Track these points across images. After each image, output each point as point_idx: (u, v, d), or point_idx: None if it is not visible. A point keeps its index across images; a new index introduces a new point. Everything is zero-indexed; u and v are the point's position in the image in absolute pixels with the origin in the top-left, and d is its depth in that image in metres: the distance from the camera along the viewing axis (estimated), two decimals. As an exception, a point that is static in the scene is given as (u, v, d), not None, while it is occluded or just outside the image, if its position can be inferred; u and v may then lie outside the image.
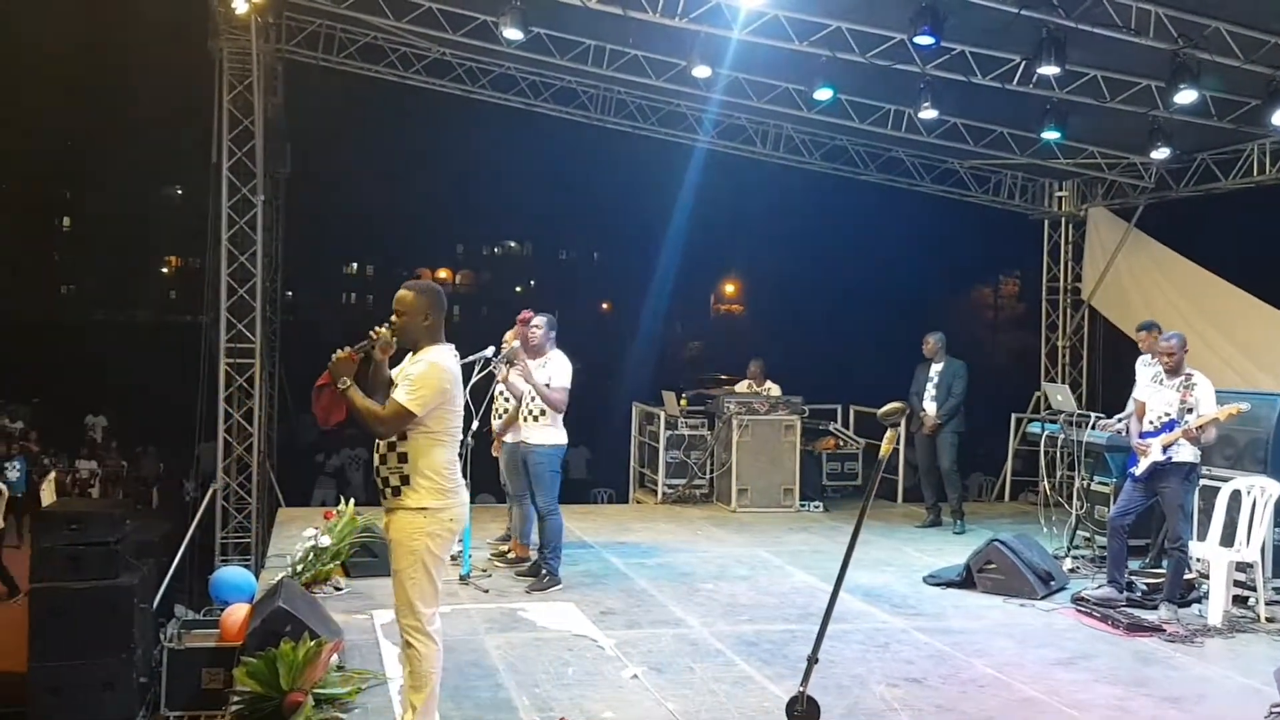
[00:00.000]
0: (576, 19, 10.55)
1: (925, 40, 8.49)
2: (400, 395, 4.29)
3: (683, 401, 12.27)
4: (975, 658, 6.24)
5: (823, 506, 11.47)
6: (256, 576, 8.26)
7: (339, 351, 4.32)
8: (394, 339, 4.38)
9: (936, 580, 8.07)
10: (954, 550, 8.95)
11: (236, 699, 4.90)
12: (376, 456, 4.40)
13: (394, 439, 4.33)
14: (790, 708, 3.29)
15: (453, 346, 4.54)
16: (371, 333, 4.37)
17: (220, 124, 12.28)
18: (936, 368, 10.29)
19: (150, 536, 10.57)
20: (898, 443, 11.28)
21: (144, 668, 8.62)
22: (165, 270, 48.42)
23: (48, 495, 12.89)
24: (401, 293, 4.45)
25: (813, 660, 3.39)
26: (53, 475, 15.09)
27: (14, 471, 15.47)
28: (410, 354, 4.48)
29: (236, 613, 6.90)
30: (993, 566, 7.75)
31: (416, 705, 4.38)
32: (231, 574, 7.83)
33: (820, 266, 34.66)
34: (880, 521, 10.93)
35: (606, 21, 10.29)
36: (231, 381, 12.39)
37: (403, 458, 4.33)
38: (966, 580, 7.88)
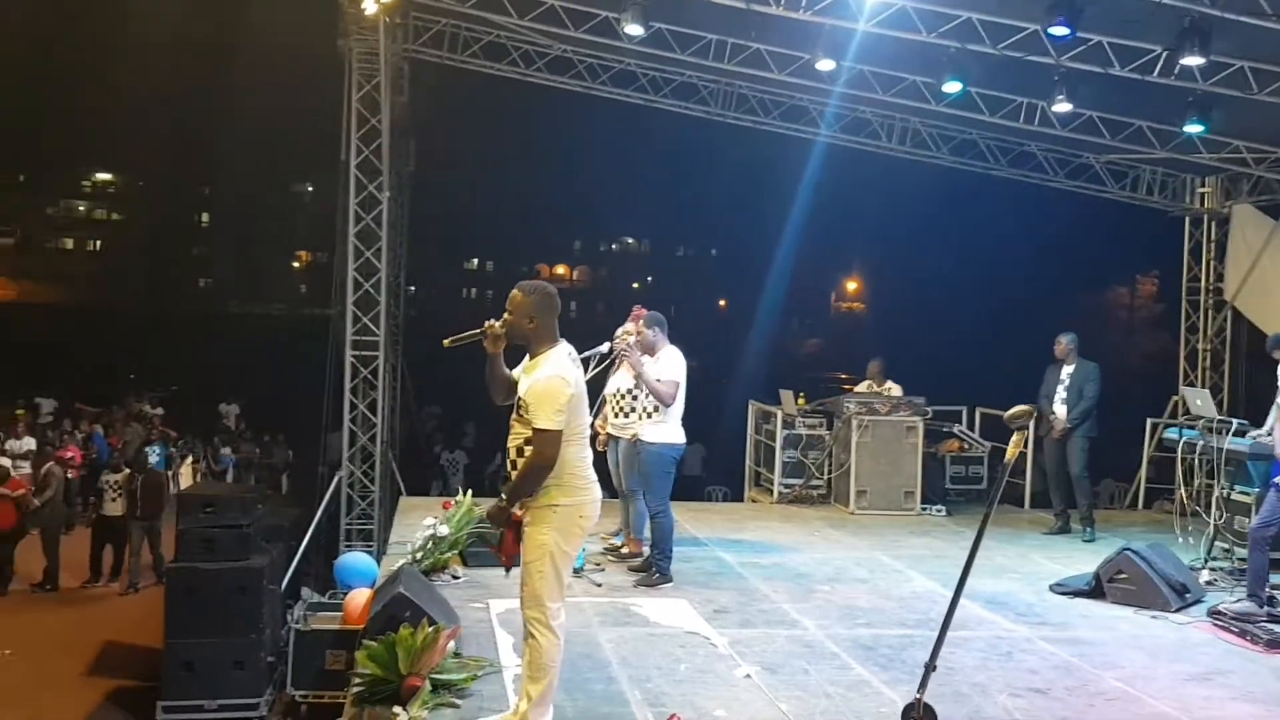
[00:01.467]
0: (698, 13, 10.52)
1: (1060, 31, 8.21)
2: (538, 420, 4.32)
3: (801, 400, 12.12)
4: (1103, 670, 5.99)
5: (945, 510, 11.18)
6: (378, 562, 8.46)
7: (445, 341, 4.57)
8: (503, 334, 4.48)
9: (1064, 589, 7.78)
10: (1082, 558, 8.61)
11: (357, 681, 5.01)
12: (509, 461, 4.50)
13: (521, 443, 4.41)
14: (906, 714, 3.20)
15: (569, 347, 4.57)
16: (486, 324, 4.49)
17: (349, 122, 12.62)
18: (1068, 370, 9.93)
19: (280, 521, 11.00)
20: (1025, 446, 10.98)
21: (272, 647, 8.95)
22: (297, 264, 50.16)
23: (185, 479, 13.50)
24: (513, 292, 4.53)
25: (930, 667, 3.29)
26: (190, 460, 15.77)
27: (153, 456, 16.22)
28: (527, 355, 4.56)
29: (358, 597, 7.07)
30: (1124, 576, 7.44)
31: (532, 695, 4.43)
32: (355, 559, 8.06)
33: (947, 264, 33.98)
34: (1006, 528, 10.60)
35: (728, 15, 10.22)
36: (357, 373, 12.74)
37: None
38: (1095, 590, 7.58)
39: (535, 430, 4.34)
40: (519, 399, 4.48)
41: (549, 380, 4.37)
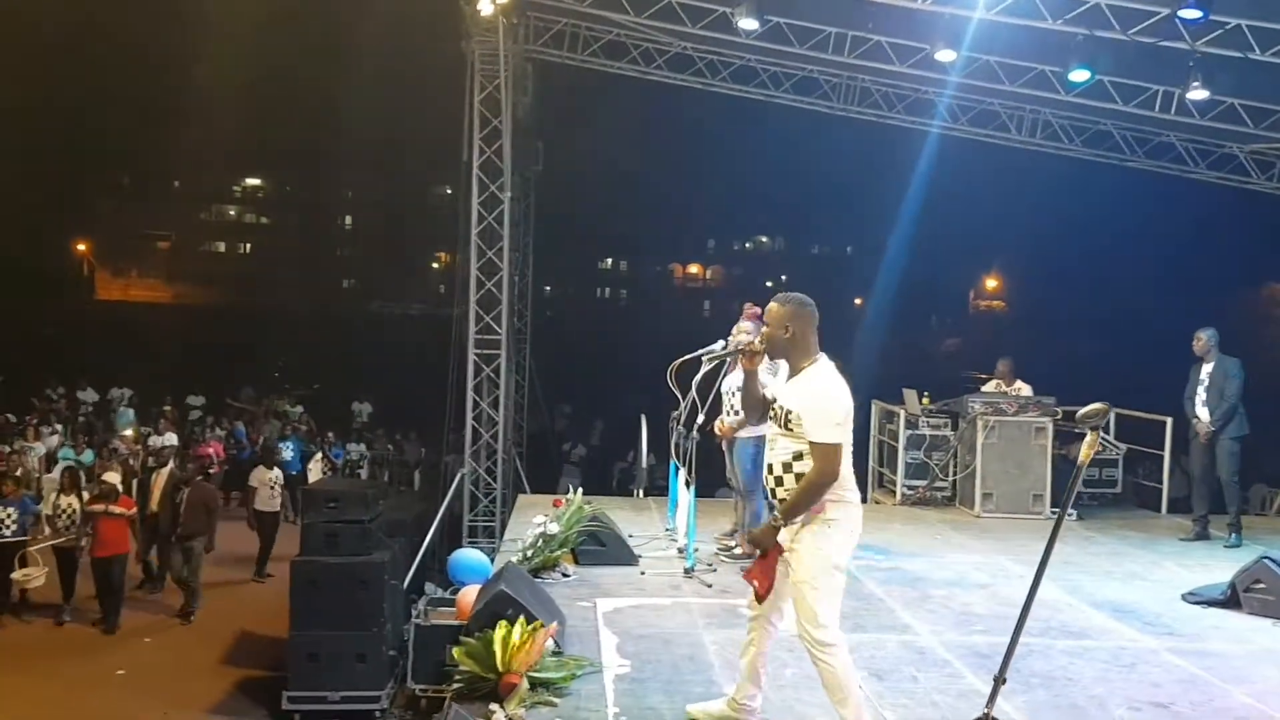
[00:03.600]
0: (814, 6, 10.45)
1: (1193, 14, 7.85)
2: (816, 434, 4.26)
3: (924, 400, 11.84)
4: (1233, 685, 5.67)
5: (1076, 514, 10.77)
6: (493, 559, 8.60)
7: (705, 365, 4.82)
8: (762, 349, 4.50)
9: (1197, 598, 7.40)
10: (1220, 566, 8.18)
11: (457, 678, 5.09)
12: (772, 479, 4.43)
13: (789, 458, 4.33)
14: (975, 730, 3.09)
15: (828, 361, 4.47)
16: (746, 342, 4.61)
17: (471, 123, 12.89)
18: (1207, 368, 9.43)
19: (404, 516, 11.29)
20: (1162, 448, 10.45)
21: (394, 641, 9.18)
22: (436, 265, 51.48)
23: (314, 475, 13.94)
24: (770, 304, 4.52)
25: (1000, 680, 3.16)
26: (319, 456, 16.30)
27: (288, 452, 16.86)
28: (781, 366, 4.56)
29: (470, 593, 7.19)
30: (1261, 586, 7.03)
31: (847, 718, 4.33)
32: (467, 555, 8.18)
33: (1088, 260, 32.72)
34: (1141, 533, 10.18)
35: (845, 7, 10.14)
36: (479, 371, 13.00)
37: (800, 478, 4.32)
38: (1231, 600, 7.19)
39: (814, 444, 4.25)
40: (786, 411, 4.38)
41: (825, 392, 4.31)
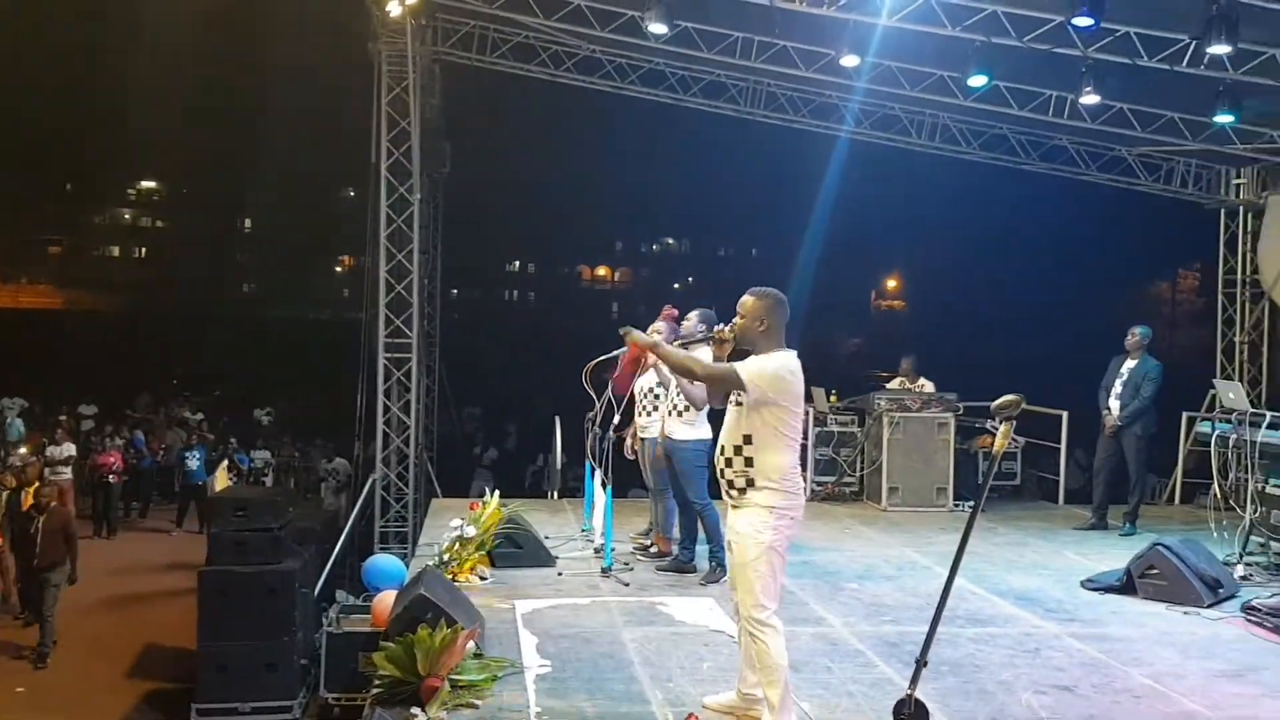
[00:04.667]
0: (722, 12, 10.54)
1: (1084, 22, 8.12)
2: (742, 368, 4.51)
3: (832, 398, 12.08)
4: (1132, 667, 5.92)
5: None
6: (407, 564, 8.53)
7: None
8: (732, 338, 4.65)
9: (1095, 585, 7.69)
10: (1116, 554, 8.51)
11: (376, 683, 5.05)
12: (722, 460, 4.60)
13: (739, 443, 4.51)
14: (897, 711, 3.18)
15: (794, 354, 4.65)
16: (715, 330, 4.70)
17: (379, 125, 12.75)
18: (1130, 364, 9.69)
19: (313, 524, 11.10)
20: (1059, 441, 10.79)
21: (305, 650, 9.03)
22: (339, 269, 50.61)
23: (220, 483, 13.63)
24: (744, 297, 4.66)
25: (921, 663, 3.28)
26: (225, 464, 15.94)
27: (194, 461, 16.46)
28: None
29: (386, 599, 7.13)
30: (1155, 572, 7.35)
31: (774, 701, 4.48)
32: (382, 561, 8.10)
33: (985, 261, 33.64)
34: (1041, 524, 10.53)
35: (753, 13, 10.23)
36: (390, 375, 12.85)
37: (749, 462, 4.51)
38: (1127, 586, 7.49)
39: (734, 369, 4.50)
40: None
41: (770, 356, 4.52)
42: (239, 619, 8.51)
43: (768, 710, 4.49)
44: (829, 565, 8.37)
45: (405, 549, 12.30)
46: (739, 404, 4.56)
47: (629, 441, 8.31)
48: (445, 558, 7.46)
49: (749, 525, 4.51)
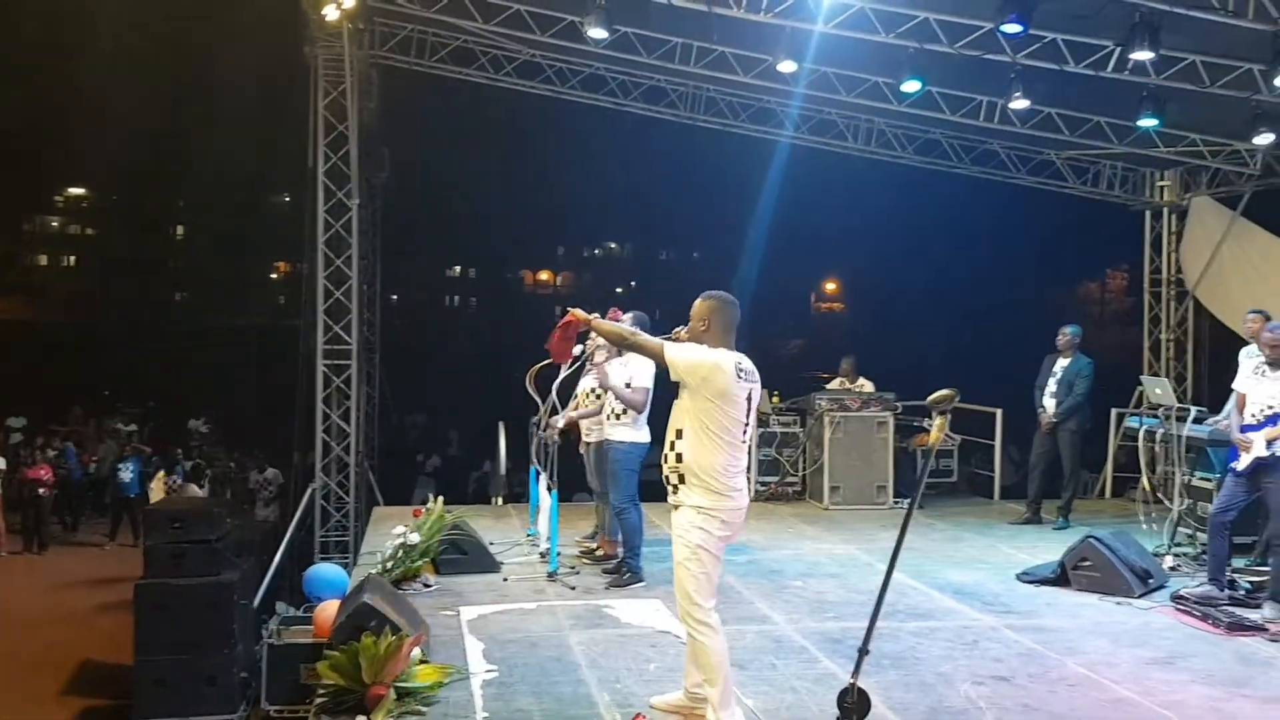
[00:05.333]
0: (662, 17, 10.58)
1: (1013, 28, 8.30)
2: (671, 348, 4.65)
3: (774, 399, 12.19)
4: (1066, 656, 6.07)
5: (919, 504, 11.26)
6: (350, 573, 8.47)
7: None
8: (686, 339, 4.73)
9: (1030, 578, 7.87)
10: (1050, 547, 8.70)
11: (321, 692, 5.02)
12: (663, 457, 4.72)
13: (673, 439, 4.63)
14: (841, 700, 3.26)
15: (740, 356, 4.72)
16: (673, 333, 4.80)
17: (316, 129, 12.63)
18: (1063, 362, 9.98)
19: (252, 535, 10.96)
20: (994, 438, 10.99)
21: (245, 663, 8.89)
22: (274, 276, 49.87)
23: (157, 495, 13.40)
24: (696, 301, 4.77)
25: (863, 652, 3.36)
26: (161, 475, 15.67)
27: (128, 473, 16.14)
28: None
29: (329, 608, 7.07)
30: (1088, 564, 7.54)
31: (714, 700, 4.57)
32: (324, 570, 8.04)
33: (921, 263, 34.16)
34: (977, 519, 10.74)
35: (692, 19, 10.30)
36: (329, 383, 12.72)
37: (679, 457, 4.60)
38: (1061, 578, 7.68)
39: (660, 343, 4.66)
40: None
41: (702, 355, 4.58)
42: (176, 633, 8.32)
43: (710, 708, 4.58)
44: (773, 564, 8.46)
45: (347, 558, 12.18)
46: (678, 397, 4.67)
47: (561, 424, 8.28)
48: (389, 565, 7.42)
49: (680, 524, 4.63)
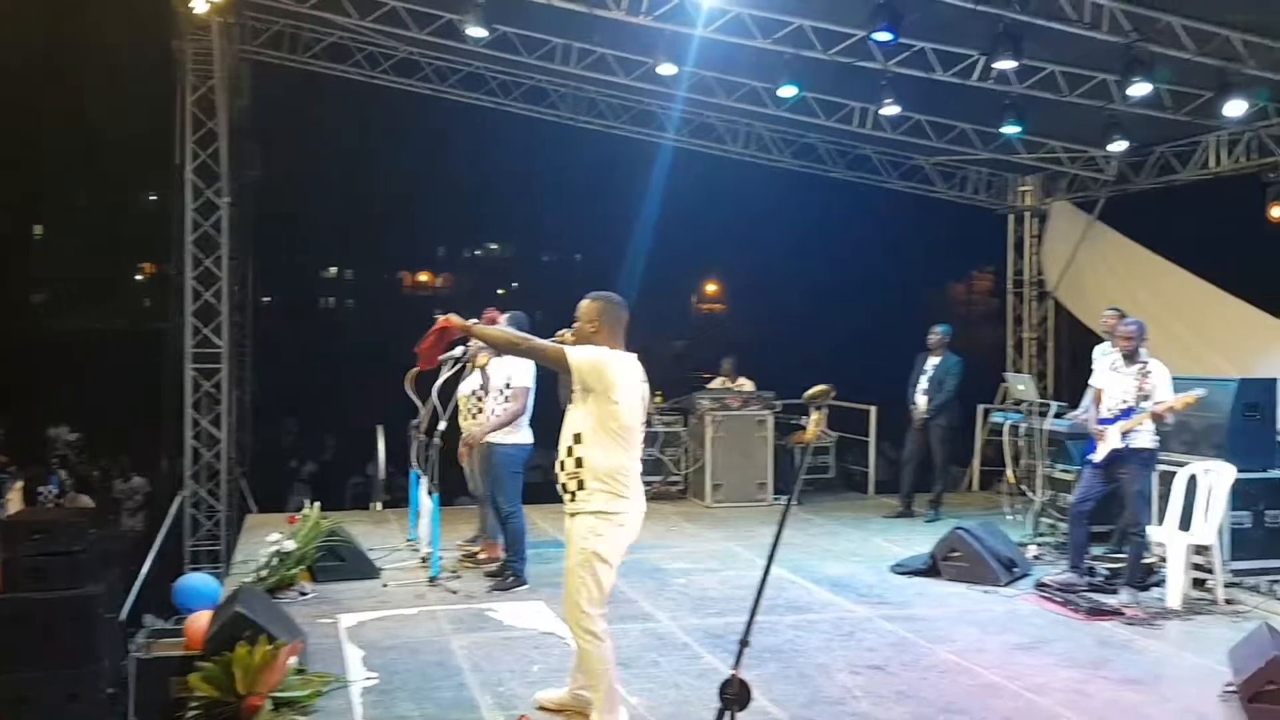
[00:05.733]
0: (543, 17, 10.54)
1: (884, 36, 8.52)
2: (572, 350, 4.53)
3: (657, 398, 12.28)
4: (937, 644, 6.29)
5: (797, 500, 11.50)
6: (222, 583, 8.22)
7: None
8: (573, 341, 4.63)
9: (903, 569, 8.13)
10: (922, 540, 8.99)
11: (192, 705, 4.87)
12: (558, 463, 4.60)
13: (571, 444, 4.51)
14: (722, 690, 3.32)
15: (632, 357, 4.67)
16: (558, 334, 4.69)
17: (184, 126, 12.22)
18: (933, 360, 10.35)
19: (118, 545, 10.52)
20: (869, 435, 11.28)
21: (112, 678, 8.55)
22: (139, 277, 48.04)
23: (14, 505, 12.74)
24: (582, 301, 4.69)
25: (744, 644, 3.43)
26: (19, 485, 14.90)
27: (-13, 484, 15.31)
28: None
29: (200, 619, 6.84)
30: (957, 554, 7.82)
31: (597, 704, 4.55)
32: (195, 580, 7.78)
33: (799, 265, 34.73)
34: (853, 513, 11.02)
35: (573, 20, 10.29)
36: (198, 387, 12.33)
37: (579, 462, 4.51)
38: (932, 569, 7.95)
39: (561, 348, 4.53)
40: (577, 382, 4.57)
41: (605, 356, 4.51)
42: (38, 648, 7.96)
43: (594, 710, 4.57)
44: (656, 562, 8.53)
45: (219, 568, 11.81)
46: (572, 402, 4.60)
47: (463, 447, 8.18)
48: (263, 574, 7.24)
49: (578, 531, 4.53)
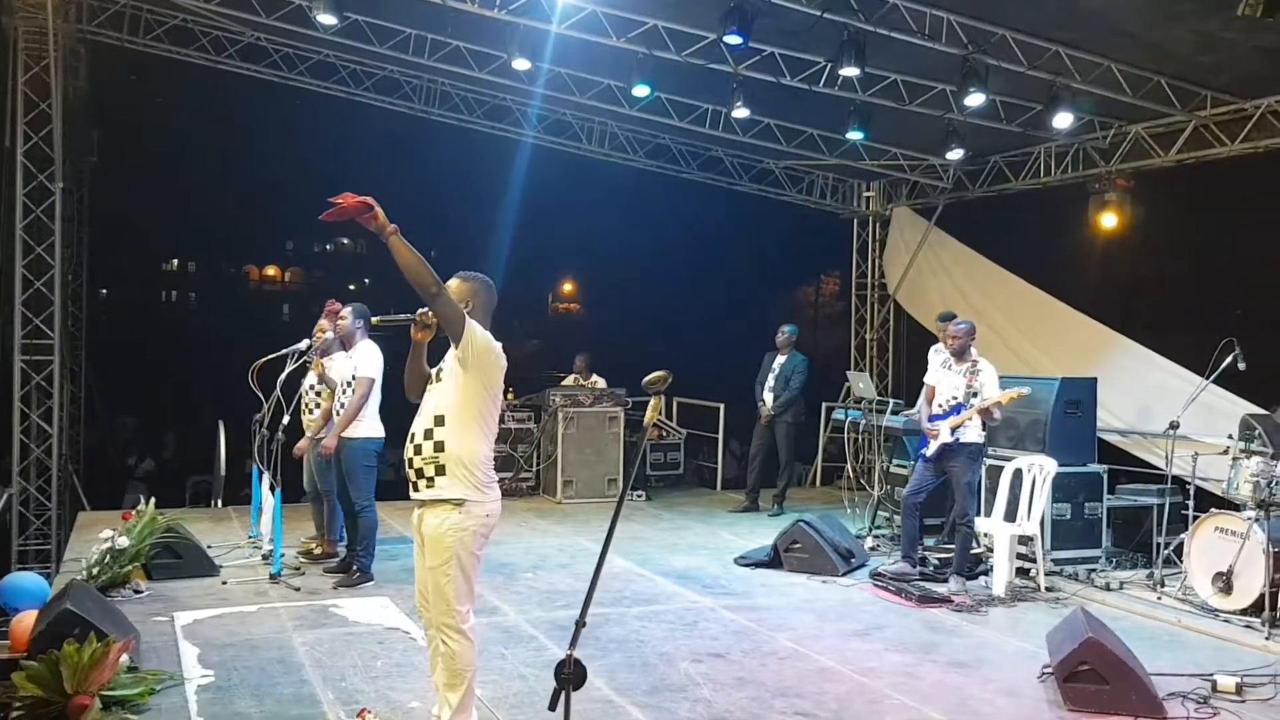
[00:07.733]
0: (395, 7, 10.40)
1: (734, 40, 8.68)
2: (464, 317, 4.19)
3: (509, 395, 12.28)
4: (777, 632, 6.51)
5: (645, 495, 11.71)
6: (51, 582, 7.87)
7: (374, 319, 4.95)
8: (434, 322, 4.20)
9: (747, 561, 8.36)
10: (766, 532, 9.26)
11: (17, 706, 4.67)
12: (411, 447, 4.23)
13: (431, 426, 4.18)
14: (558, 670, 3.39)
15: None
16: (418, 313, 4.22)
17: (14, 106, 11.60)
18: (780, 359, 10.66)
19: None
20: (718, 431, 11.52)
21: (-73, 684, 8.10)
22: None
23: None
24: (451, 280, 4.34)
25: (580, 624, 3.51)
26: None
27: None
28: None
29: (27, 619, 6.54)
30: (798, 546, 8.09)
31: (453, 702, 4.26)
32: (21, 579, 7.40)
33: (653, 265, 35.11)
34: (700, 508, 11.26)
35: (426, 10, 10.16)
36: (28, 380, 11.73)
37: (439, 446, 4.16)
38: (775, 560, 8.21)
39: (463, 313, 4.18)
40: (440, 368, 4.29)
41: (491, 339, 4.27)
42: None
43: (447, 707, 4.30)
44: (505, 558, 8.56)
45: (49, 568, 11.28)
46: (439, 380, 4.30)
47: (304, 441, 8.04)
48: (95, 571, 6.97)
49: (438, 524, 4.19)
